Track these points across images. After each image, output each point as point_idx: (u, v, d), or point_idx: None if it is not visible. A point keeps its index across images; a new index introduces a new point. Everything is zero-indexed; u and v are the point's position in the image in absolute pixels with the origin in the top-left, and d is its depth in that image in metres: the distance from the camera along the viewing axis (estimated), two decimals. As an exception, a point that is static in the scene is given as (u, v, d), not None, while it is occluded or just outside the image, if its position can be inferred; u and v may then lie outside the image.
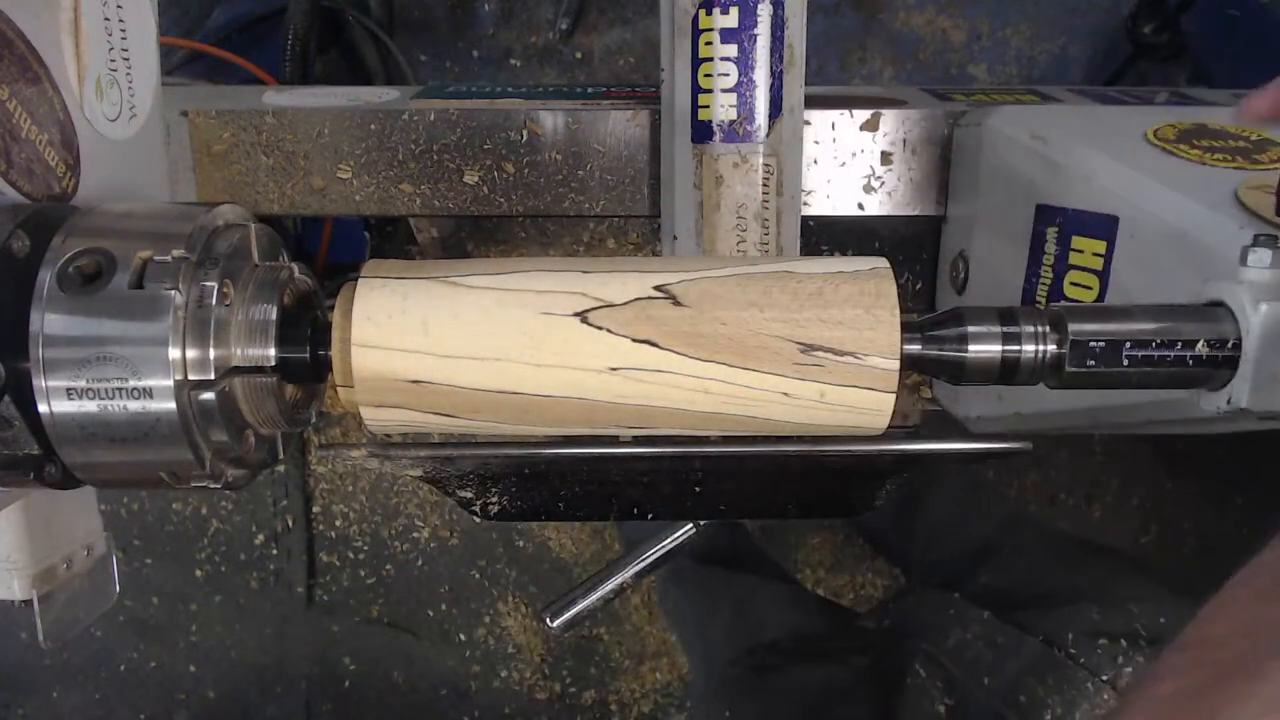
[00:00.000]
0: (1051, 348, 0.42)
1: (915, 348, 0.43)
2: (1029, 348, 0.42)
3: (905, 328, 0.43)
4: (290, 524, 1.81)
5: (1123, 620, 0.75)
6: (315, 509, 1.82)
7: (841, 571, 1.84)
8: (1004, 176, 0.67)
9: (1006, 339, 0.42)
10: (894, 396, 0.42)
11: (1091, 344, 0.42)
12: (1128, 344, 0.42)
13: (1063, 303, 0.43)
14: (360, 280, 0.43)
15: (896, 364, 0.41)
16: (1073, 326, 0.42)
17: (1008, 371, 0.43)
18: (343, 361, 0.43)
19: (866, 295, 0.42)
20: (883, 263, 0.44)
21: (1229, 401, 0.43)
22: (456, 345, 0.42)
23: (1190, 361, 0.42)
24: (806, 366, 0.41)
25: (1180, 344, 0.42)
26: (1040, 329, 0.42)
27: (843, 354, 0.41)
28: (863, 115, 0.75)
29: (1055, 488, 1.79)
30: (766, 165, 0.67)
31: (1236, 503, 1.78)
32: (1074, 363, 0.42)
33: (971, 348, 0.43)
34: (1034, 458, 1.79)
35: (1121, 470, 1.78)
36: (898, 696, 0.79)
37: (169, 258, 0.40)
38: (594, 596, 0.71)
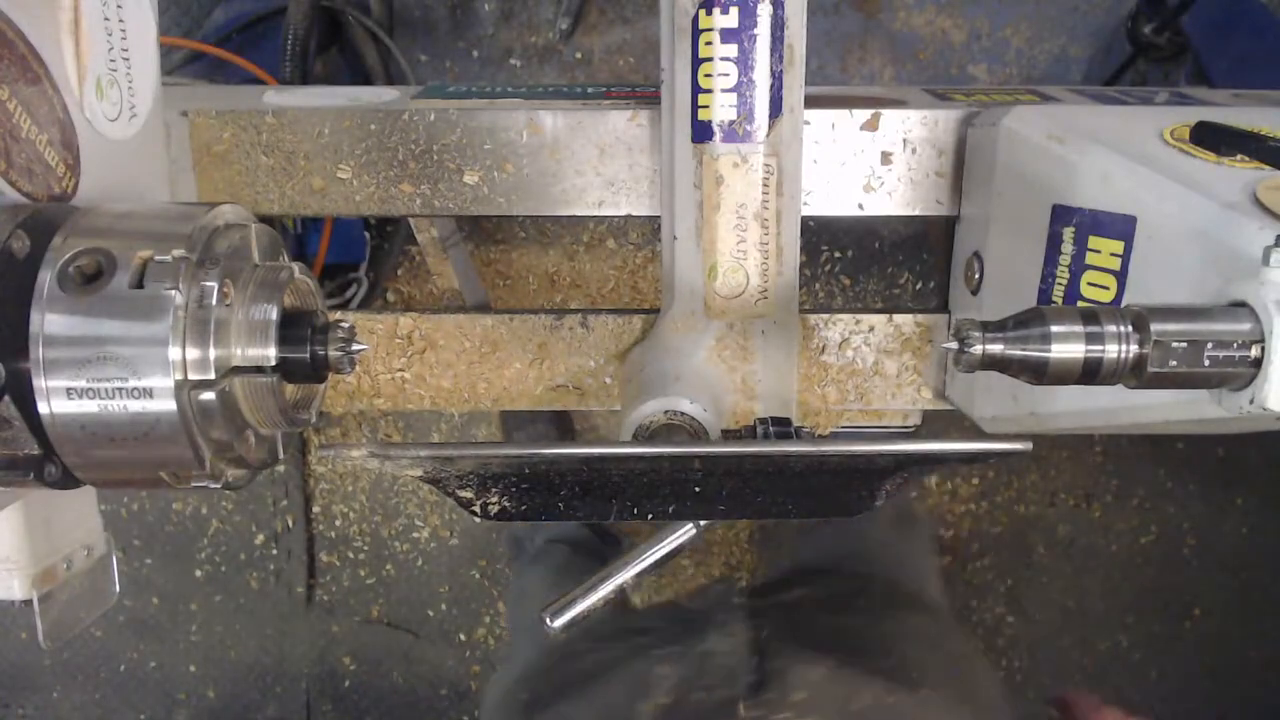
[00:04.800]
0: (1134, 348, 0.42)
1: (998, 348, 0.43)
2: (1112, 348, 0.42)
3: (986, 327, 0.43)
4: (290, 524, 1.81)
5: None
6: (315, 509, 1.82)
7: (841, 571, 1.83)
8: (1019, 176, 0.67)
9: (1090, 339, 0.42)
10: None
11: (1174, 344, 0.42)
12: (1210, 344, 0.42)
13: (1142, 303, 0.43)
14: None
15: None
16: (1155, 327, 0.42)
17: (1089, 372, 0.43)
18: None
19: None
20: None
21: (1252, 401, 0.43)
22: None
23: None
24: None
25: (1259, 344, 0.42)
26: (1123, 329, 0.42)
27: None
28: (863, 115, 0.75)
29: (1055, 487, 1.80)
30: (766, 165, 0.67)
31: (1236, 503, 1.78)
32: (1156, 363, 0.42)
33: (1055, 348, 0.42)
34: (1034, 458, 1.79)
35: (1121, 470, 1.78)
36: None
37: (169, 258, 0.40)
38: (594, 597, 0.71)
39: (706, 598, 0.89)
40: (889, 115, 0.75)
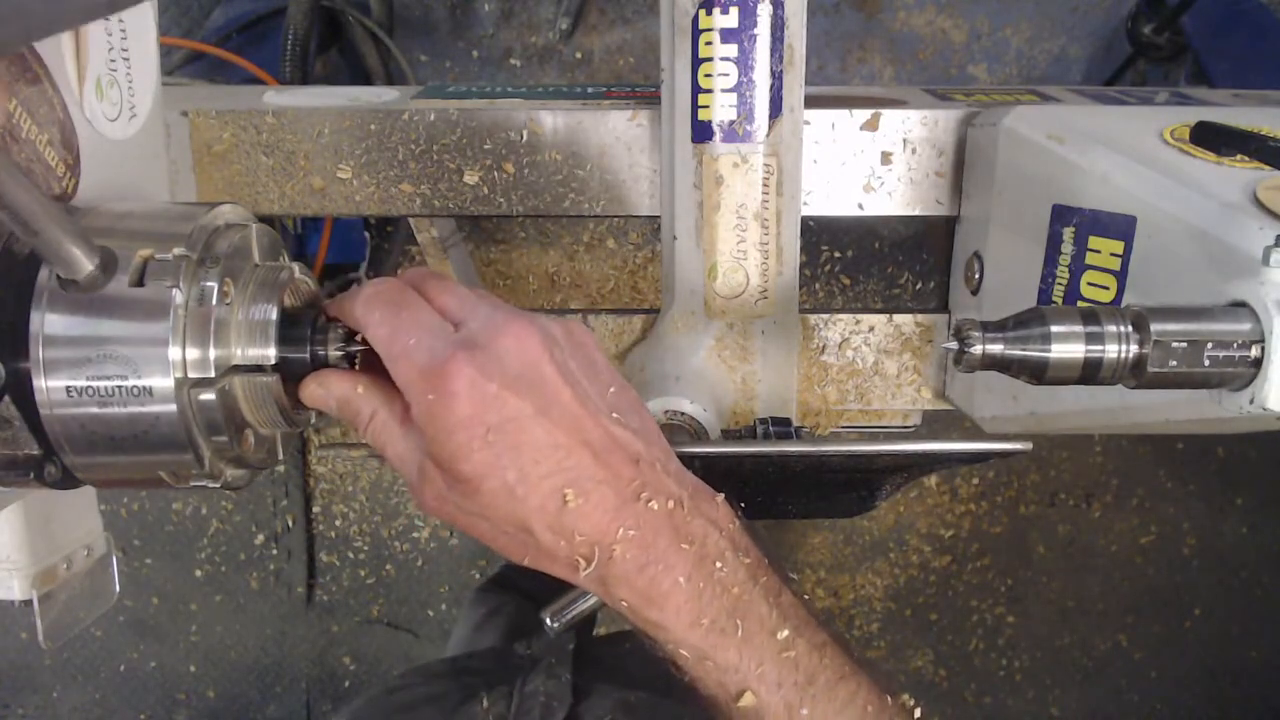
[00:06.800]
0: (1134, 348, 0.42)
1: (998, 348, 0.43)
2: (1112, 348, 0.42)
3: (986, 327, 0.43)
4: (290, 524, 1.81)
5: None
6: (315, 509, 1.82)
7: (841, 571, 1.84)
8: (1019, 176, 0.67)
9: (1090, 339, 0.43)
10: None
11: (1174, 344, 0.42)
12: (1210, 344, 0.42)
13: (1142, 303, 0.43)
14: None
15: None
16: (1155, 327, 0.42)
17: (1089, 372, 0.43)
18: None
19: None
20: None
21: (1252, 401, 0.43)
22: None
23: None
24: None
25: (1259, 344, 0.42)
26: (1123, 329, 0.42)
27: None
28: (863, 115, 0.75)
29: (1055, 487, 1.80)
30: (766, 165, 0.67)
31: (1236, 503, 1.78)
32: (1156, 363, 0.42)
33: (1055, 348, 0.43)
34: (1034, 458, 1.79)
35: (1121, 470, 1.78)
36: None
37: (169, 257, 0.40)
38: (594, 597, 0.71)
39: (540, 643, 0.88)
40: (889, 115, 0.75)
